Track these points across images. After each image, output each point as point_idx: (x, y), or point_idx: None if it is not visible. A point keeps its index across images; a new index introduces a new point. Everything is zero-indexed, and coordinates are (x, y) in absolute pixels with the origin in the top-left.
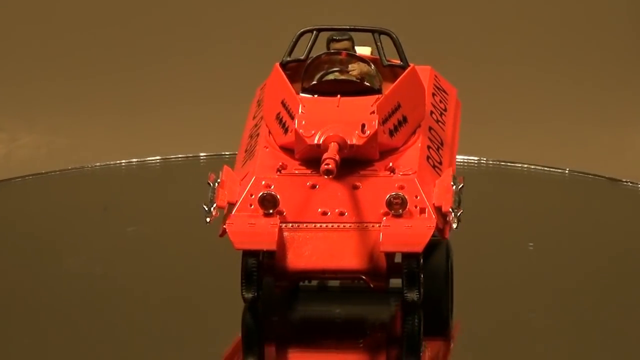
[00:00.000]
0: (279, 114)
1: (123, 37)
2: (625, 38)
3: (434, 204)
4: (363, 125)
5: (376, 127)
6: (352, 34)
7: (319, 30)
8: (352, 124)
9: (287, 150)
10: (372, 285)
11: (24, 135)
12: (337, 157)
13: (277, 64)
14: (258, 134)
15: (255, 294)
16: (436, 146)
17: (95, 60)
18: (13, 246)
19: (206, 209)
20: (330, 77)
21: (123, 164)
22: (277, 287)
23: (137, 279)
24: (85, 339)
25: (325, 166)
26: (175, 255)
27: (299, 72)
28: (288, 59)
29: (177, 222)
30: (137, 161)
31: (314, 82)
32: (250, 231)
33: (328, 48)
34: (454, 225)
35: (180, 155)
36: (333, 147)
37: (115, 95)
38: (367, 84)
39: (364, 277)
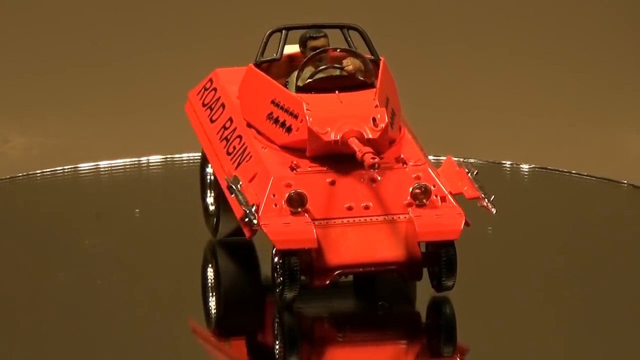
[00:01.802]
0: (271, 114)
1: (114, 37)
2: (621, 38)
3: (450, 191)
4: (374, 119)
5: (387, 120)
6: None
7: (288, 29)
8: (362, 119)
9: (289, 149)
10: (408, 276)
11: (15, 136)
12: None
13: (252, 65)
14: (240, 136)
15: (296, 292)
16: (414, 136)
17: (86, 61)
18: None
19: (247, 211)
20: (327, 73)
21: (110, 165)
22: (315, 285)
23: (118, 286)
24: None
25: (372, 160)
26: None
27: (270, 72)
28: (262, 59)
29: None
30: (130, 162)
31: (309, 80)
32: (288, 231)
33: (304, 47)
34: (494, 211)
35: (176, 155)
36: (355, 142)
37: (108, 96)
38: (361, 78)
39: (400, 268)
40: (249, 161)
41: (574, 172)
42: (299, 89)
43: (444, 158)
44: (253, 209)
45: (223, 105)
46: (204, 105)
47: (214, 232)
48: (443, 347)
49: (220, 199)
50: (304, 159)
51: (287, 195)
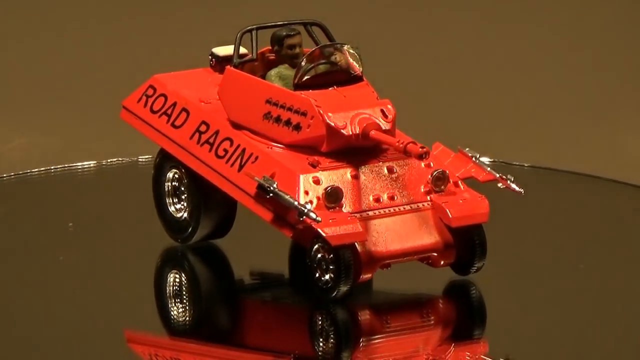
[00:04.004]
0: (269, 113)
1: (116, 37)
2: (621, 38)
3: (458, 176)
4: (383, 111)
5: (394, 110)
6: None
7: (258, 29)
8: (372, 111)
9: (297, 147)
10: (441, 262)
11: (15, 137)
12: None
13: (230, 67)
14: (230, 138)
15: (350, 286)
16: None
17: (87, 61)
18: None
19: (305, 210)
20: (324, 69)
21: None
22: (362, 278)
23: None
24: None
25: (421, 149)
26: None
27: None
28: (239, 60)
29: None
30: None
31: (307, 77)
32: (337, 226)
33: (281, 45)
34: (521, 190)
35: None
36: (381, 134)
37: (107, 95)
38: (352, 72)
39: (438, 253)
40: (256, 162)
41: (573, 172)
42: (297, 87)
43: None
44: (310, 206)
45: (186, 110)
46: (154, 112)
47: (187, 237)
48: (474, 329)
49: (198, 202)
50: (318, 156)
51: (324, 191)
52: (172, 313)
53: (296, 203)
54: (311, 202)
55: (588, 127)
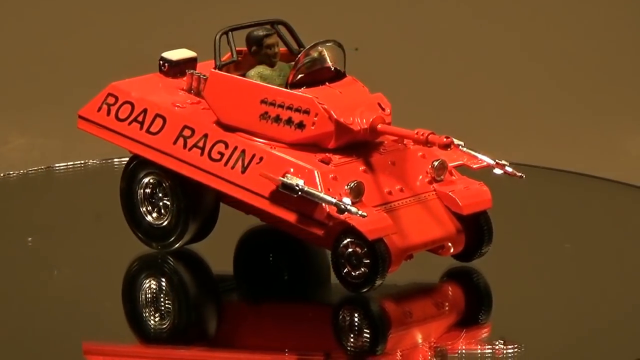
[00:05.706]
0: (266, 113)
1: (116, 37)
2: (622, 37)
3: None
4: (380, 104)
5: (389, 103)
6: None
7: (233, 30)
8: (371, 105)
9: (300, 145)
10: (451, 250)
11: (15, 137)
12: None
13: (214, 70)
14: (224, 141)
15: (384, 279)
16: None
17: (87, 60)
18: None
19: (346, 206)
20: (314, 66)
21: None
22: (391, 270)
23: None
24: None
25: (446, 140)
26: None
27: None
28: (221, 62)
29: None
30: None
31: (301, 75)
32: (368, 220)
33: (260, 46)
34: (522, 175)
35: None
36: (387, 127)
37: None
38: (338, 68)
39: (453, 242)
40: (262, 162)
41: (573, 172)
42: (293, 85)
43: None
44: (349, 201)
45: (161, 116)
46: (121, 120)
47: (170, 243)
48: (481, 315)
49: (186, 207)
50: (325, 153)
51: (348, 186)
52: (149, 321)
53: (335, 200)
54: (333, 197)
55: (588, 127)
